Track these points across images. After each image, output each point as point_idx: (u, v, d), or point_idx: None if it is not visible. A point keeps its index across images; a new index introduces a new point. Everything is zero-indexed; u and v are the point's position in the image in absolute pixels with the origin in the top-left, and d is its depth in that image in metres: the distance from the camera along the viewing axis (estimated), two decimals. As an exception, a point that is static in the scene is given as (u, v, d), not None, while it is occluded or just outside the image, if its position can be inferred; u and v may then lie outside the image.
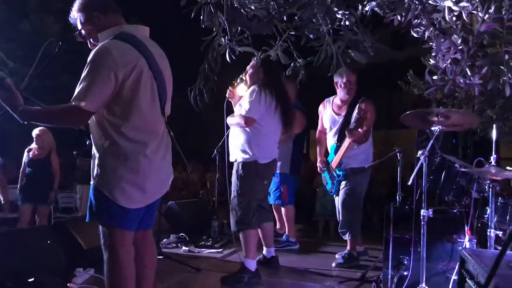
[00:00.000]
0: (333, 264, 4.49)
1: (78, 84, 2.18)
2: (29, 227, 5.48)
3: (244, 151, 3.86)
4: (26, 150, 5.94)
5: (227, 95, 4.07)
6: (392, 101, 11.21)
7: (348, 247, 4.60)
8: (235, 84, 4.03)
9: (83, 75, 2.18)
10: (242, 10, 1.40)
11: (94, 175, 2.29)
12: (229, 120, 3.96)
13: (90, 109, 2.16)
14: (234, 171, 3.93)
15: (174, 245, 5.29)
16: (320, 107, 4.84)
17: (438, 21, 2.03)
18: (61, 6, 10.81)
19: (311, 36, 1.30)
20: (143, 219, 2.44)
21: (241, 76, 4.00)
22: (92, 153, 2.37)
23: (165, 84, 2.40)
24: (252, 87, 3.84)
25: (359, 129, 4.16)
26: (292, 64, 1.46)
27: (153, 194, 2.39)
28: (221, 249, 5.10)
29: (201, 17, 1.36)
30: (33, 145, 5.92)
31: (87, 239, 4.04)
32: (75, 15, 2.40)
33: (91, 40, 2.39)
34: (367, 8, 1.84)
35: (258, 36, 1.54)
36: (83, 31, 2.39)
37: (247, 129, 3.85)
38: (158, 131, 2.35)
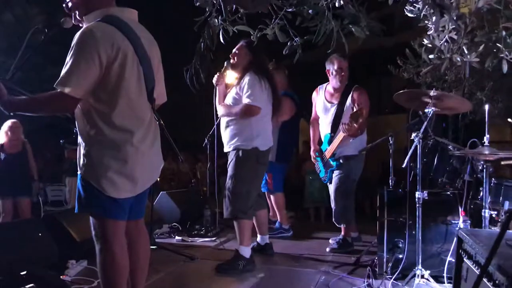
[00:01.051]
0: (327, 249, 4.49)
1: (63, 70, 2.11)
2: (20, 220, 5.40)
3: (245, 139, 3.77)
4: None
5: (214, 81, 3.96)
6: (381, 87, 11.26)
7: (342, 233, 4.61)
8: (223, 69, 3.93)
9: (67, 60, 2.11)
10: (237, -12, 1.38)
11: (81, 164, 2.23)
12: (227, 110, 3.85)
13: (76, 95, 2.10)
14: (231, 159, 3.84)
15: (167, 235, 5.26)
16: (314, 94, 4.78)
17: (433, -1, 2.01)
18: (45, -4, 10.65)
19: (310, 11, 1.27)
20: (134, 208, 2.38)
21: (227, 61, 3.89)
22: (78, 142, 2.30)
23: (152, 70, 2.32)
24: (248, 75, 3.74)
25: (355, 124, 4.08)
26: (288, 43, 1.43)
27: (143, 183, 2.34)
28: (214, 238, 5.09)
29: (195, -4, 1.32)
30: (4, 139, 5.76)
31: (79, 231, 4.00)
32: None
33: (76, 15, 2.30)
34: (361, -14, 1.84)
35: (252, 15, 1.50)
36: (70, 3, 2.30)
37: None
38: (144, 118, 2.27)
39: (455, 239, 2.86)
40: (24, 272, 3.17)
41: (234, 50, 3.83)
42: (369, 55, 10.17)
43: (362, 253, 4.08)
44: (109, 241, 2.23)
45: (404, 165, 3.06)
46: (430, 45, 2.25)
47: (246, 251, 3.80)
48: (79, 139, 2.28)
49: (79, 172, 2.25)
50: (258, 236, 4.40)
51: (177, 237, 5.09)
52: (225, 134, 3.91)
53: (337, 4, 1.69)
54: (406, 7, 2.13)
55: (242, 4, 1.41)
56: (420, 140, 3.04)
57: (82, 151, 2.24)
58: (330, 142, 4.50)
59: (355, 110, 4.09)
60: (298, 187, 7.33)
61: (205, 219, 5.67)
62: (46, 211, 7.07)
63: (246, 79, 3.73)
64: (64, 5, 2.33)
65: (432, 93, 2.98)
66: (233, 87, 3.90)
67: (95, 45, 2.07)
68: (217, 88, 3.99)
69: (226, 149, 3.92)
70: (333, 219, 4.60)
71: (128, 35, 2.17)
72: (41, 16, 10.08)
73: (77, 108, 2.24)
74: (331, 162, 4.52)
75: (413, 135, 3.07)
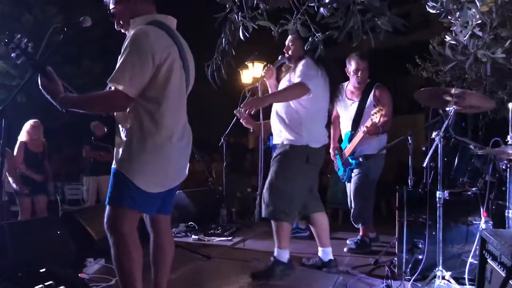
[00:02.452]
0: (345, 249, 4.45)
1: (117, 67, 2.16)
2: (39, 218, 5.46)
3: (293, 133, 3.50)
4: (21, 142, 5.82)
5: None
6: (397, 87, 11.14)
7: (360, 233, 4.56)
8: (276, 63, 3.74)
9: (121, 58, 2.17)
10: (258, -17, 1.36)
11: (119, 158, 2.30)
12: (275, 95, 3.63)
13: (131, 94, 2.17)
14: (278, 153, 3.57)
15: (184, 234, 5.27)
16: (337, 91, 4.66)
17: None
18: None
19: (334, 5, 1.25)
20: (163, 204, 2.46)
21: (281, 56, 3.68)
22: (117, 139, 2.38)
23: (190, 75, 2.44)
24: (304, 60, 3.45)
25: (375, 121, 4.02)
26: (310, 39, 1.41)
27: (174, 180, 2.44)
28: (230, 237, 5.08)
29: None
30: (26, 138, 5.82)
31: (97, 229, 4.02)
32: None
33: (120, 21, 2.38)
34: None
35: (272, 12, 1.48)
36: (114, 10, 2.37)
37: (297, 107, 3.50)
38: (183, 119, 2.41)
39: (476, 239, 2.81)
40: (43, 270, 3.20)
41: (287, 43, 3.54)
42: (385, 54, 10.07)
43: (380, 253, 4.03)
44: (124, 234, 2.27)
45: (425, 165, 3.00)
46: (453, 42, 2.20)
47: (283, 255, 3.54)
48: (121, 135, 2.33)
49: (114, 166, 2.32)
50: (319, 249, 3.78)
51: (193, 236, 5.10)
52: (274, 125, 3.68)
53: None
54: (428, 3, 2.08)
55: (263, 0, 1.39)
56: (441, 139, 2.98)
57: (122, 146, 2.30)
58: (350, 140, 4.46)
59: (377, 108, 4.04)
60: (320, 187, 7.25)
61: (221, 218, 5.68)
62: (64, 210, 7.14)
63: (301, 62, 3.48)
64: (108, 12, 2.39)
65: (454, 90, 2.92)
66: (286, 76, 3.66)
67: (150, 45, 2.15)
68: (267, 82, 3.81)
69: (275, 141, 3.72)
70: (351, 219, 4.56)
71: (175, 40, 2.29)
72: (59, 16, 10.18)
73: None
74: (350, 161, 4.47)
75: (434, 134, 3.01)
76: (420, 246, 3.32)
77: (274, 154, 3.62)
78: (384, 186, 6.74)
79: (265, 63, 8.36)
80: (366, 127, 4.14)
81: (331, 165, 6.98)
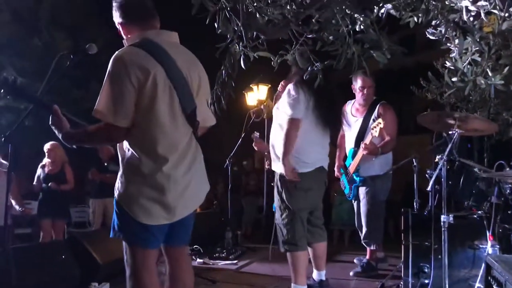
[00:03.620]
0: (351, 273, 4.41)
1: (98, 99, 2.10)
2: (44, 242, 5.47)
3: (279, 161, 3.49)
4: (40, 166, 5.92)
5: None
6: (402, 107, 11.13)
7: (367, 256, 4.52)
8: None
9: (102, 88, 2.11)
10: (257, 15, 1.38)
11: (116, 189, 2.23)
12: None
13: (116, 123, 2.07)
14: (275, 185, 3.62)
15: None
16: (342, 110, 4.50)
17: (456, 21, 1.98)
18: (71, 22, 10.98)
19: (330, 37, 1.27)
20: (174, 235, 2.33)
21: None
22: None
23: (190, 92, 2.24)
24: (288, 86, 3.47)
25: (375, 135, 4.02)
26: (309, 69, 1.43)
27: (180, 210, 2.23)
28: (235, 261, 5.05)
29: (216, 24, 1.33)
30: (46, 160, 5.92)
31: (102, 254, 4.01)
32: (114, 13, 2.34)
33: (124, 39, 2.33)
34: (382, 11, 1.80)
35: (272, 41, 1.50)
36: (119, 31, 2.35)
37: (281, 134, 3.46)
38: (178, 144, 2.19)
39: (483, 264, 2.78)
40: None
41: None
42: (390, 75, 10.10)
43: (387, 277, 3.99)
44: (138, 269, 2.20)
45: (429, 188, 2.99)
46: (452, 67, 2.22)
47: None
48: (120, 164, 2.26)
49: (115, 196, 2.24)
50: (314, 271, 3.91)
51: (198, 260, 5.08)
52: (271, 152, 3.68)
53: (357, 29, 1.69)
54: (428, 30, 2.11)
55: (262, 31, 1.41)
56: (445, 163, 2.97)
57: (119, 175, 2.23)
58: (354, 157, 4.46)
59: (376, 122, 4.05)
60: (325, 206, 7.21)
61: (226, 241, 5.65)
62: (69, 232, 7.14)
63: (285, 91, 3.51)
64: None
65: (456, 115, 2.92)
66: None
67: (124, 70, 2.05)
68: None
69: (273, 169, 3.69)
70: (363, 241, 4.52)
71: (159, 58, 2.13)
72: (66, 41, 10.36)
73: None
74: (355, 178, 4.46)
75: (438, 157, 3.00)
76: (426, 270, 3.28)
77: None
78: (392, 206, 6.72)
79: (269, 85, 8.47)
80: (365, 144, 4.13)
81: (335, 185, 6.98)
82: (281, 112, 3.51)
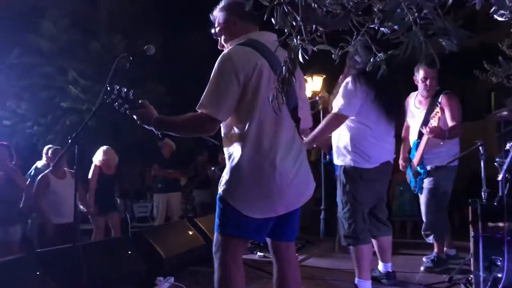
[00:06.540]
0: (421, 268, 4.25)
1: (204, 93, 2.20)
2: (110, 239, 5.69)
3: (344, 155, 3.47)
4: (95, 167, 6.11)
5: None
6: (465, 91, 10.62)
7: (435, 249, 4.33)
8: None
9: (209, 83, 2.21)
10: (316, 8, 1.33)
11: (221, 183, 2.28)
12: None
13: (217, 117, 2.17)
14: (337, 178, 3.58)
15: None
16: (406, 102, 4.44)
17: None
18: (128, 24, 11.33)
19: (395, 27, 1.20)
20: (281, 230, 2.36)
21: None
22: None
23: (294, 88, 2.29)
24: (346, 80, 3.43)
25: (436, 125, 3.84)
26: (371, 60, 1.37)
27: (286, 204, 2.27)
28: (296, 254, 5.02)
29: (273, 19, 1.30)
30: (99, 161, 6.10)
31: (165, 248, 4.12)
32: (216, 13, 2.43)
33: (221, 40, 2.42)
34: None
35: (331, 33, 1.45)
36: (217, 30, 2.42)
37: (347, 128, 3.44)
38: (282, 138, 2.22)
39: None
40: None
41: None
42: (451, 57, 9.66)
43: (455, 270, 3.82)
44: (226, 261, 2.24)
45: (500, 178, 2.83)
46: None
47: (365, 286, 3.40)
48: (226, 160, 2.32)
49: (219, 192, 2.29)
50: (380, 263, 3.86)
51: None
52: (333, 146, 3.64)
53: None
54: (494, 11, 1.96)
55: (322, 23, 1.37)
56: (517, 150, 2.79)
57: (225, 170, 2.29)
58: (417, 148, 4.29)
59: (434, 111, 3.85)
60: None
61: (285, 235, 5.61)
62: (133, 227, 7.41)
63: (342, 84, 3.47)
64: (212, 31, 2.46)
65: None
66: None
67: (232, 66, 2.15)
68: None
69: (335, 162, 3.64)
70: (422, 233, 4.36)
71: (264, 53, 2.21)
72: (123, 42, 10.68)
73: (223, 131, 2.32)
74: (419, 170, 4.29)
75: (508, 145, 2.83)
76: (499, 263, 3.11)
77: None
78: (455, 196, 6.45)
79: (324, 76, 8.34)
80: (429, 127, 3.92)
81: (396, 176, 6.78)
82: (334, 106, 3.45)
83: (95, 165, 6.06)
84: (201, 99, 2.18)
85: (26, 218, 5.87)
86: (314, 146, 3.69)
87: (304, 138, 3.44)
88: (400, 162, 4.54)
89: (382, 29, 1.29)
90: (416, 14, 1.18)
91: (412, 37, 1.22)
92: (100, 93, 2.53)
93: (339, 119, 3.39)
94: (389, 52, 1.30)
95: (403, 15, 1.22)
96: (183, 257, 4.41)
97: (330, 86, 5.22)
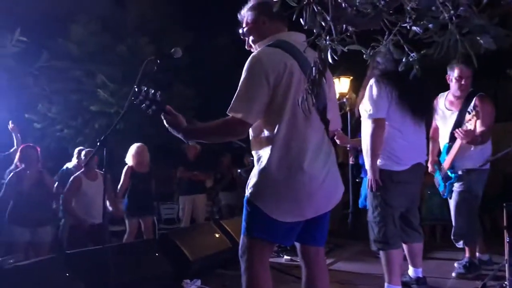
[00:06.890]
0: (453, 274, 4.13)
1: (234, 96, 2.18)
2: (137, 241, 5.73)
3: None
4: (128, 167, 6.14)
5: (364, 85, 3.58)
6: (498, 92, 10.32)
7: (467, 254, 4.20)
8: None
9: (239, 86, 2.19)
10: (346, 7, 1.30)
11: (249, 186, 2.26)
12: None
13: (247, 120, 2.14)
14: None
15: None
16: (434, 103, 4.25)
17: None
18: (155, 26, 11.45)
19: (430, 25, 1.16)
20: (310, 234, 2.33)
21: None
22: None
23: (324, 89, 2.26)
24: (370, 82, 3.39)
25: (472, 129, 3.72)
26: (404, 60, 1.32)
27: (315, 208, 2.24)
28: (324, 258, 4.96)
29: (302, 19, 1.27)
30: (133, 162, 6.12)
31: (192, 250, 4.13)
32: (245, 13, 2.42)
33: (249, 40, 2.41)
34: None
35: (361, 33, 1.42)
36: (245, 29, 2.41)
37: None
38: (312, 140, 2.20)
39: None
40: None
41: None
42: (484, 57, 9.43)
43: (488, 277, 3.70)
44: (253, 265, 2.22)
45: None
46: None
47: None
48: (255, 162, 2.31)
49: (246, 194, 2.27)
50: (410, 268, 3.81)
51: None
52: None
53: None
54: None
55: (353, 23, 1.33)
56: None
57: (252, 172, 2.27)
58: (448, 152, 4.15)
59: (470, 115, 3.73)
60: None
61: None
62: (160, 229, 7.46)
63: (367, 89, 3.42)
64: (240, 31, 2.44)
65: None
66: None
67: (261, 68, 2.13)
68: None
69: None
70: (452, 237, 4.23)
71: (293, 54, 2.19)
72: (151, 45, 10.79)
73: (252, 134, 2.30)
74: (450, 174, 4.16)
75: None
76: (536, 270, 3.00)
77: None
78: (487, 201, 6.27)
79: (351, 77, 8.24)
80: (465, 130, 3.81)
81: (425, 179, 6.64)
82: (362, 110, 3.42)
83: (128, 166, 6.08)
84: (232, 102, 2.16)
85: (58, 220, 5.97)
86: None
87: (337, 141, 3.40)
88: (429, 165, 4.39)
89: (414, 28, 1.25)
90: (452, 12, 1.14)
91: (447, 35, 1.16)
92: (127, 97, 2.54)
93: (378, 123, 3.31)
94: (422, 52, 1.25)
95: (436, 14, 1.18)
96: (209, 259, 4.41)
97: (357, 88, 5.13)
